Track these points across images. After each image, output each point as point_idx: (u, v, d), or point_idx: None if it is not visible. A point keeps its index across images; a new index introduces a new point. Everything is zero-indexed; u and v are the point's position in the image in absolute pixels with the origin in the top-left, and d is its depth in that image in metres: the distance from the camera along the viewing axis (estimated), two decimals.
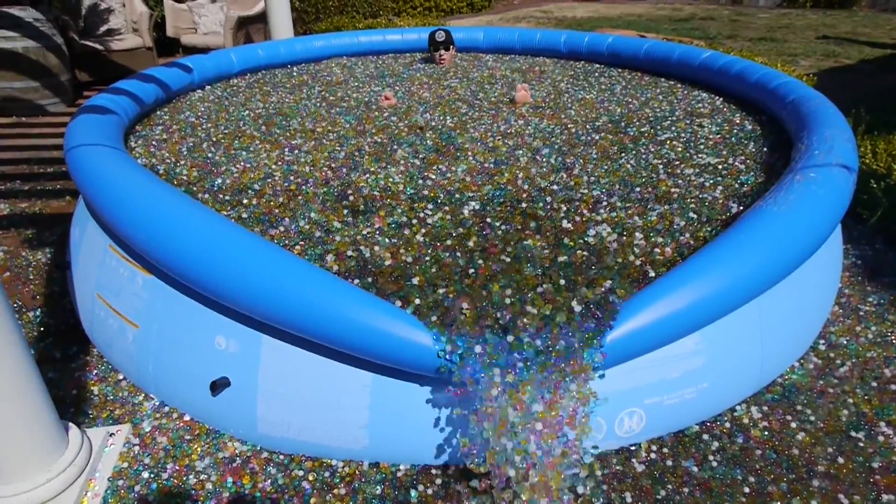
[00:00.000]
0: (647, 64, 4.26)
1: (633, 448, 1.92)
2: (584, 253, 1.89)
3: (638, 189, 2.36)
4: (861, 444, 1.92)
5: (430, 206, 2.23)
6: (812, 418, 2.02)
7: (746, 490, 1.75)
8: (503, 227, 2.08)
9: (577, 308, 1.62)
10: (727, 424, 2.00)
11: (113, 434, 1.96)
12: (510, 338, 1.54)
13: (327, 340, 1.70)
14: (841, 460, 1.86)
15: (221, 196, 2.36)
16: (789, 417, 2.02)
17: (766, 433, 1.96)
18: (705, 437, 1.95)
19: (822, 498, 1.73)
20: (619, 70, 4.39)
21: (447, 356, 1.57)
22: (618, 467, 1.85)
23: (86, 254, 2.42)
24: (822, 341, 2.39)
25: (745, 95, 3.47)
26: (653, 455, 1.88)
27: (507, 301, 1.63)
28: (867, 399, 2.10)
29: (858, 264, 2.93)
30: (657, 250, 1.91)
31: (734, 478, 1.80)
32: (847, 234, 3.18)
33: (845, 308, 2.60)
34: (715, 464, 1.84)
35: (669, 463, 1.85)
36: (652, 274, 1.80)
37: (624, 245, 1.94)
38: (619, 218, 2.12)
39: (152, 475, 1.83)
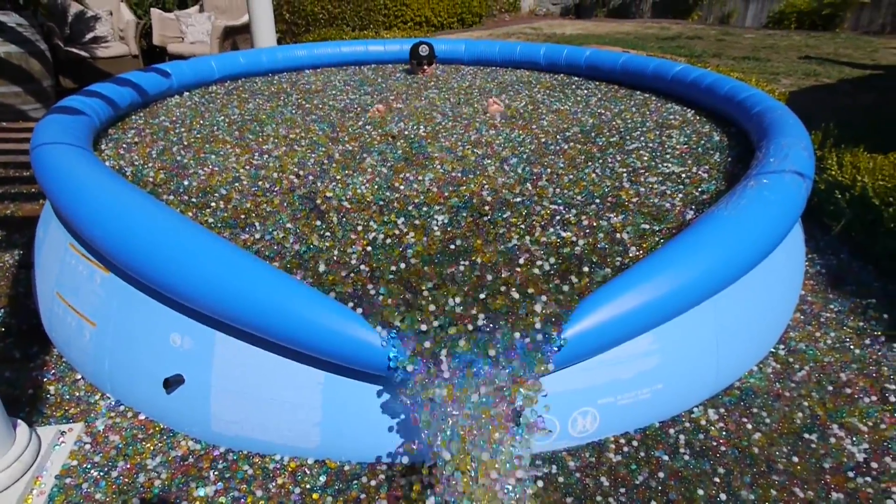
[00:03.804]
0: (624, 77, 4.33)
1: (606, 441, 1.95)
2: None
3: (598, 199, 2.38)
4: (813, 446, 1.94)
5: (401, 221, 2.19)
6: (767, 420, 2.04)
7: (717, 480, 1.80)
8: (462, 244, 2.03)
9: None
10: (686, 424, 2.01)
11: (65, 432, 1.94)
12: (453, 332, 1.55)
13: (279, 338, 1.71)
14: (795, 459, 1.88)
15: (187, 198, 2.37)
16: (745, 419, 2.04)
17: (724, 433, 1.98)
18: (672, 430, 1.98)
19: (781, 490, 1.78)
20: (597, 83, 4.46)
21: (394, 356, 1.58)
22: (591, 459, 1.87)
23: (47, 252, 2.42)
24: (781, 346, 2.41)
25: (715, 108, 3.53)
26: (624, 448, 1.92)
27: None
28: (822, 402, 2.12)
29: (823, 273, 2.97)
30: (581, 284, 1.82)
31: (704, 469, 1.84)
32: (813, 245, 3.22)
33: (807, 315, 2.63)
34: (687, 456, 1.88)
35: (643, 454, 1.89)
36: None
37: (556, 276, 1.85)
38: (567, 239, 2.06)
39: (101, 473, 1.81)
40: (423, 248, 2.00)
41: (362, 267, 1.89)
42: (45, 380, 2.23)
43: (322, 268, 1.87)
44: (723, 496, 1.75)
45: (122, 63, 6.61)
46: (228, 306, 1.70)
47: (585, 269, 1.88)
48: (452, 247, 2.02)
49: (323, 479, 1.79)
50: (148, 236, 1.80)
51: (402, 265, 1.90)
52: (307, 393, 1.82)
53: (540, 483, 1.76)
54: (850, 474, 1.83)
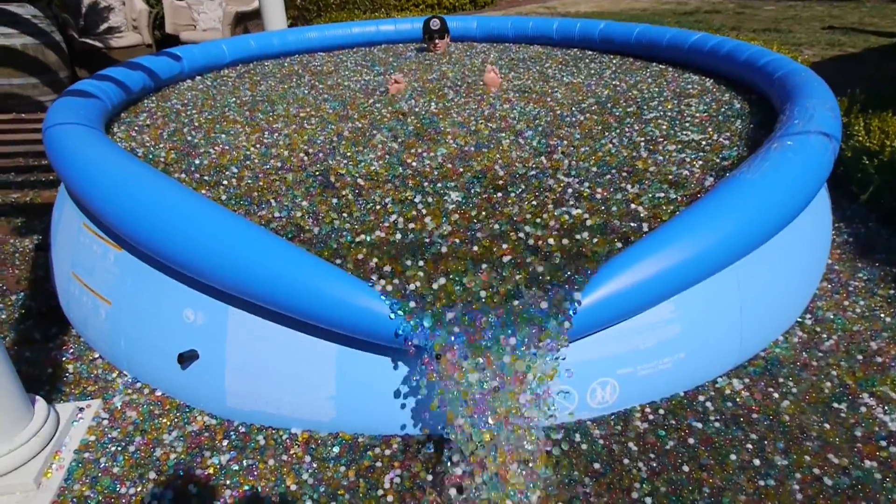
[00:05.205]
0: (639, 49, 4.22)
1: (631, 410, 1.91)
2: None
3: (614, 170, 2.30)
4: (843, 415, 1.87)
5: (418, 199, 2.11)
6: (794, 390, 1.97)
7: (749, 446, 1.77)
8: (479, 226, 1.92)
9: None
10: (710, 393, 1.97)
11: (82, 409, 1.95)
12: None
13: (291, 311, 1.68)
14: (827, 426, 1.84)
15: (199, 176, 2.35)
16: (771, 389, 1.98)
17: (752, 402, 1.93)
18: (701, 398, 1.94)
19: (815, 456, 1.74)
20: (611, 56, 4.35)
21: (403, 323, 1.55)
22: (617, 427, 1.84)
23: (63, 234, 2.43)
24: (808, 316, 2.34)
25: (735, 75, 3.42)
26: (650, 416, 1.88)
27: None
28: (851, 371, 2.05)
29: (850, 241, 2.87)
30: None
31: (735, 435, 1.81)
32: (840, 213, 3.12)
33: (834, 283, 2.54)
34: (717, 423, 1.85)
35: (672, 421, 1.86)
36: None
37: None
38: (578, 218, 1.93)
39: (119, 448, 1.82)
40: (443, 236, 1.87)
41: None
42: (63, 359, 2.24)
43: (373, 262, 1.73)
44: (756, 462, 1.71)
45: (136, 52, 6.63)
46: (240, 280, 1.68)
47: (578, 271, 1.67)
48: (474, 236, 1.85)
49: (336, 449, 1.78)
50: (159, 211, 1.79)
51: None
52: (321, 366, 1.80)
53: (556, 451, 1.72)
54: (883, 443, 1.77)
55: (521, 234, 1.85)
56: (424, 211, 2.03)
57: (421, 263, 1.71)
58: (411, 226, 1.94)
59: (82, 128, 2.33)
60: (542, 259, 1.69)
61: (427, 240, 1.84)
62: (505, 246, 1.77)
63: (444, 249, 1.77)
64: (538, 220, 1.94)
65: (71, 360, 2.23)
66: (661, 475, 1.68)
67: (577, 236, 1.82)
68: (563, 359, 1.60)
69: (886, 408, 1.89)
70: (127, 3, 6.81)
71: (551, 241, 1.79)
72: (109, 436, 1.87)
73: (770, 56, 3.10)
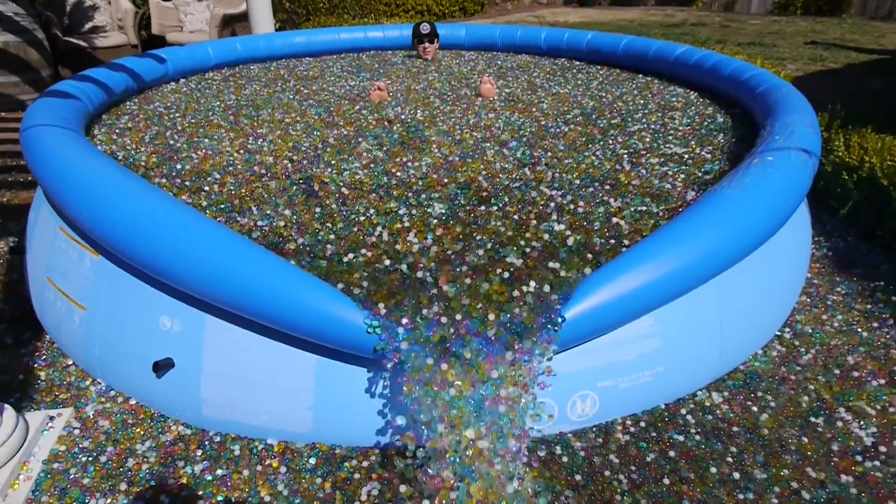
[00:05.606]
0: (626, 60, 4.25)
1: (613, 422, 1.92)
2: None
3: (597, 183, 2.30)
4: (820, 429, 1.89)
5: (402, 211, 2.07)
6: (773, 404, 1.99)
7: (729, 459, 1.78)
8: (462, 246, 1.87)
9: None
10: (691, 406, 1.97)
11: (53, 417, 1.91)
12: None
13: (268, 320, 1.66)
14: (805, 440, 1.85)
15: (180, 182, 2.32)
16: (750, 403, 1.99)
17: (731, 416, 1.94)
18: (682, 411, 1.95)
19: (793, 469, 1.75)
20: (598, 67, 4.38)
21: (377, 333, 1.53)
22: (598, 440, 1.84)
23: (38, 237, 2.38)
24: (787, 329, 2.36)
25: (719, 89, 3.46)
26: (632, 428, 1.88)
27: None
28: (829, 386, 2.07)
29: (829, 256, 2.90)
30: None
31: (715, 448, 1.82)
32: (820, 228, 3.15)
33: (813, 297, 2.57)
34: (698, 436, 1.85)
35: (653, 434, 1.86)
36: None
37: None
38: (560, 235, 1.89)
39: (90, 458, 1.78)
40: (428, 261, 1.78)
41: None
42: (35, 365, 2.20)
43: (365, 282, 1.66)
44: (736, 475, 1.72)
45: (121, 53, 6.56)
46: (219, 289, 1.66)
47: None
48: (458, 264, 1.75)
49: (313, 461, 1.76)
50: (137, 217, 1.76)
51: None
52: (299, 376, 1.78)
53: (535, 464, 1.71)
54: (859, 458, 1.78)
55: (504, 272, 1.71)
56: (408, 224, 2.00)
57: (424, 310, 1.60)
58: (397, 247, 1.85)
59: (61, 130, 2.29)
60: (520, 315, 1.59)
61: (419, 275, 1.71)
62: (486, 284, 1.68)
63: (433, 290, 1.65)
64: (522, 241, 1.87)
65: (43, 367, 2.19)
66: (642, 488, 1.68)
67: (552, 265, 1.73)
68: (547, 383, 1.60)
69: (862, 423, 1.91)
70: (112, 2, 6.74)
71: (533, 284, 1.65)
72: (80, 445, 1.83)
73: (753, 71, 3.14)
